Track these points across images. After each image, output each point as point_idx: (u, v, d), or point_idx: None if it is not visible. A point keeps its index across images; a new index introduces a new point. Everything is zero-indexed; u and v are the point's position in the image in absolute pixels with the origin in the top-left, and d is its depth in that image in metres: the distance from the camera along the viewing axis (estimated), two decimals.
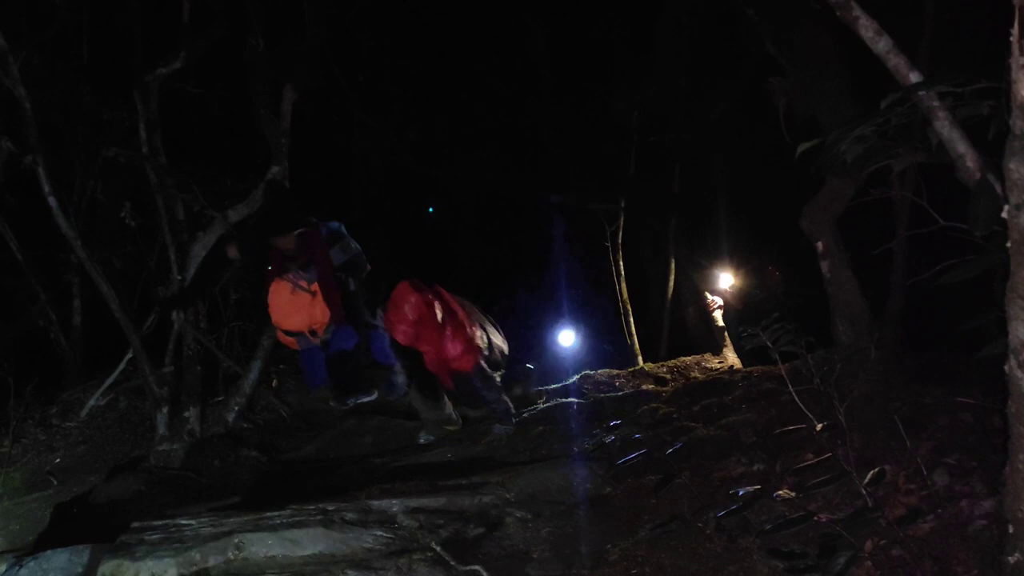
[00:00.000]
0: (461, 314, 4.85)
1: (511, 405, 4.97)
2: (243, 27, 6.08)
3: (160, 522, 3.45)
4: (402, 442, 5.34)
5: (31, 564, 3.21)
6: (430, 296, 4.72)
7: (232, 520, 3.39)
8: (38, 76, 6.05)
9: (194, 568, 3.11)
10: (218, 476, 5.02)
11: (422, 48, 9.10)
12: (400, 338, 4.73)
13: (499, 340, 5.15)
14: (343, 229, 5.29)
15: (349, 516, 3.43)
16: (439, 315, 4.70)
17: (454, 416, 5.19)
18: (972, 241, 2.23)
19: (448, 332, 4.72)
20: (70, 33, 6.96)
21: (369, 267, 5.39)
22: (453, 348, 4.73)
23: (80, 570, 3.18)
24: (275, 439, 5.74)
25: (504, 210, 10.69)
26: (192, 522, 3.42)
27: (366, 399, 5.33)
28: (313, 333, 5.01)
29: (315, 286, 4.92)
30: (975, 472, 2.62)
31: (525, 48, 9.67)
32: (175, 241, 5.88)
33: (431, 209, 11.27)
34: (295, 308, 4.91)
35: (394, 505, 3.54)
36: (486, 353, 4.93)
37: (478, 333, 4.90)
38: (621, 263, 9.07)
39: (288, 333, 5.07)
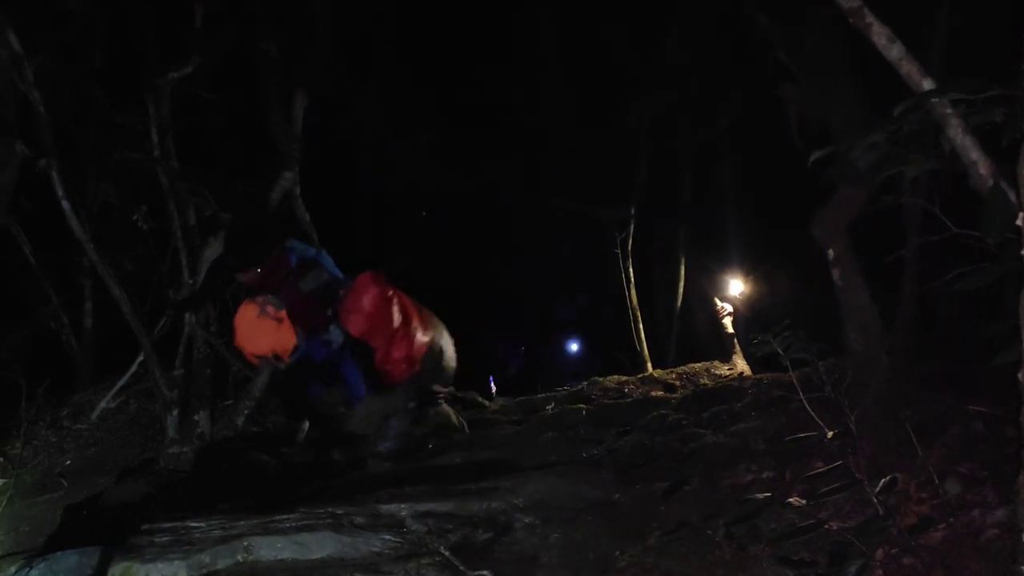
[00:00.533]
0: (416, 321, 4.74)
1: (405, 438, 4.86)
2: (255, 32, 6.12)
3: (170, 524, 3.46)
4: (411, 446, 5.34)
5: (41, 566, 3.23)
6: (391, 292, 4.64)
7: (242, 523, 3.40)
8: (52, 81, 6.10)
9: (203, 570, 3.12)
10: (228, 479, 5.03)
11: (431, 54, 9.13)
12: (353, 328, 4.61)
13: (451, 352, 5.04)
14: (321, 257, 5.05)
15: (358, 520, 3.43)
16: (396, 315, 4.61)
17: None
18: (985, 248, 2.22)
19: (399, 334, 4.62)
20: (83, 38, 7.01)
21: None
22: (397, 351, 4.63)
23: (90, 572, 3.19)
24: (285, 442, 5.75)
25: (513, 217, 10.69)
26: (202, 524, 3.43)
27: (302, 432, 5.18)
28: (277, 358, 4.76)
29: (282, 313, 4.68)
30: (987, 481, 2.61)
31: (536, 54, 9.69)
32: (187, 245, 5.91)
33: (423, 213, 11.16)
34: (260, 332, 4.68)
35: (403, 509, 3.54)
36: (429, 366, 4.83)
37: (427, 339, 4.80)
38: (631, 270, 9.06)
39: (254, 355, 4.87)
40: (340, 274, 4.96)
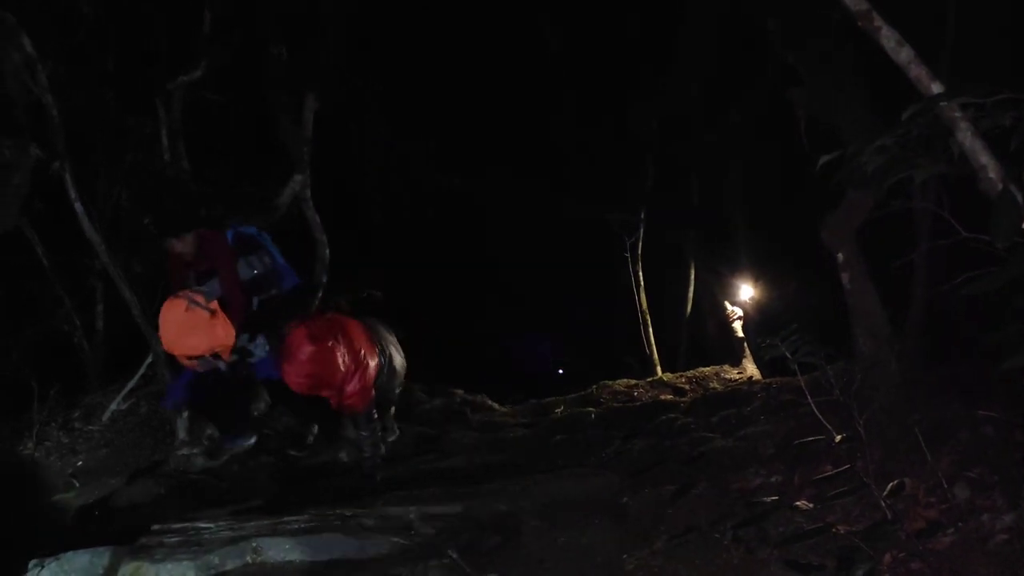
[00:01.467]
0: (364, 350, 4.47)
1: (381, 447, 4.66)
2: (265, 36, 6.16)
3: (179, 525, 3.49)
4: (420, 448, 5.35)
5: (52, 566, 3.25)
6: (330, 343, 4.29)
7: (250, 524, 3.42)
8: (65, 84, 6.14)
9: (212, 571, 3.14)
10: (237, 481, 5.06)
11: (441, 59, 9.15)
12: (295, 387, 4.27)
13: (400, 359, 4.88)
14: (262, 237, 4.57)
15: (367, 522, 3.44)
16: (340, 362, 4.29)
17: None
18: (994, 253, 2.22)
19: (350, 373, 4.34)
20: (95, 42, 7.07)
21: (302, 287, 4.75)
22: (351, 388, 4.35)
23: (100, 572, 3.22)
24: (293, 444, 5.76)
25: (523, 222, 10.70)
26: (211, 526, 3.46)
27: (245, 444, 4.78)
28: (217, 356, 4.20)
29: (214, 303, 4.15)
30: (996, 486, 2.59)
31: (544, 59, 9.70)
32: None
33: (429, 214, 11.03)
34: (191, 329, 4.08)
35: (411, 512, 3.55)
36: (382, 380, 4.66)
37: (375, 362, 4.56)
38: (640, 274, 9.06)
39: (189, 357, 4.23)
40: (283, 262, 4.48)
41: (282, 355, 4.23)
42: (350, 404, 4.39)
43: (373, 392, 4.49)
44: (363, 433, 4.51)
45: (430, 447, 5.28)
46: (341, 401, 4.37)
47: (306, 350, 4.17)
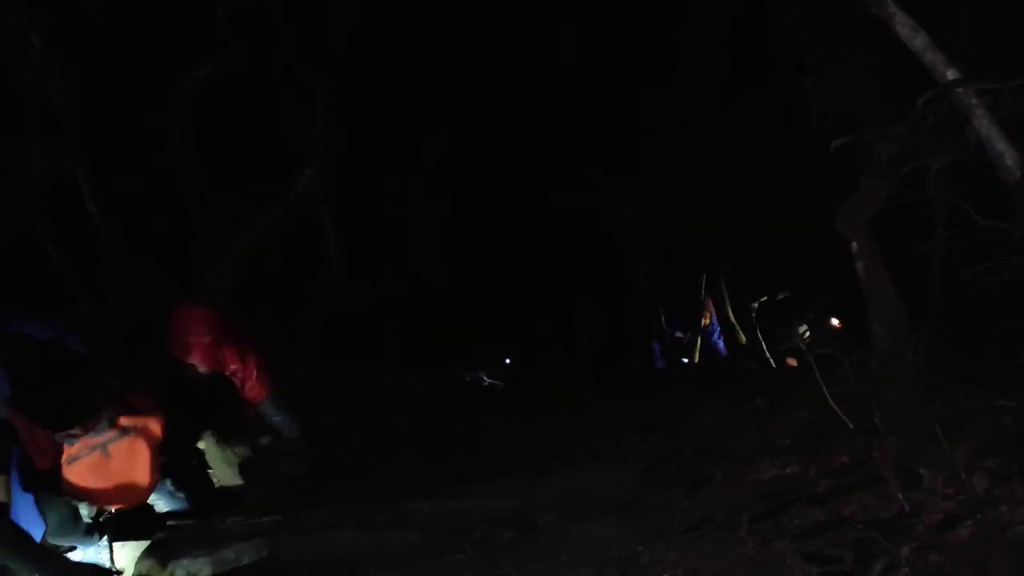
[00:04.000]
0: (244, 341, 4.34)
1: (301, 434, 4.62)
2: (276, 32, 6.16)
3: (195, 521, 3.51)
4: (434, 445, 5.35)
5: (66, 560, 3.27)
6: (214, 315, 4.20)
7: (266, 520, 3.44)
8: (76, 82, 6.17)
9: (228, 567, 3.16)
10: (253, 477, 5.06)
11: (450, 52, 9.13)
12: (200, 356, 4.00)
13: None
14: None
15: (382, 518, 3.45)
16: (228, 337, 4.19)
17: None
18: (1012, 242, 2.19)
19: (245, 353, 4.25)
20: (106, 40, 7.09)
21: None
22: (248, 372, 4.23)
23: (116, 567, 3.23)
24: (309, 441, 5.78)
25: (528, 213, 10.66)
26: (227, 521, 3.47)
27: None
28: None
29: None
30: (1015, 476, 2.56)
31: (552, 49, 9.67)
32: (210, 245, 5.96)
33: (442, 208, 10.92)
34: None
35: (425, 507, 3.56)
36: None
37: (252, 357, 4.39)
38: (652, 265, 9.03)
39: None
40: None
41: (176, 334, 3.98)
42: (252, 396, 4.31)
43: (270, 379, 4.35)
44: (276, 418, 4.47)
45: (441, 442, 5.29)
46: (244, 396, 4.28)
47: (198, 313, 4.09)
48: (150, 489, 3.45)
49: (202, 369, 4.09)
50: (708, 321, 8.78)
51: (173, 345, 4.09)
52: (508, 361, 9.03)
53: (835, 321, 7.21)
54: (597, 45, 9.28)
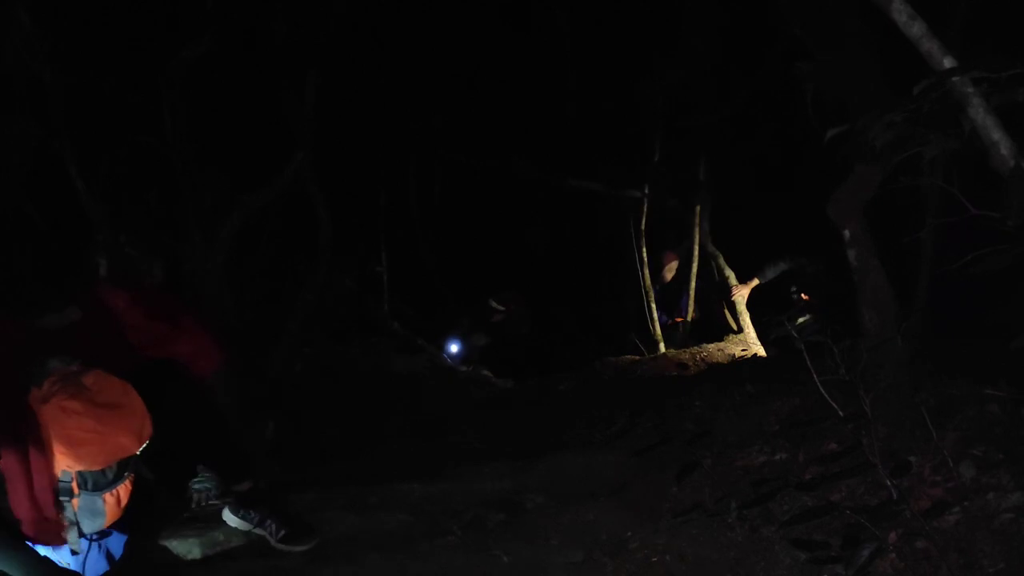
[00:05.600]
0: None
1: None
2: (268, 11, 6.10)
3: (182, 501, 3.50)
4: (425, 428, 5.36)
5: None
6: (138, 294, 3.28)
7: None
8: (64, 60, 6.10)
9: (217, 548, 3.17)
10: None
11: (445, 35, 9.06)
12: (144, 336, 3.13)
13: None
14: None
15: (373, 500, 3.46)
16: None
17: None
18: (1005, 230, 2.19)
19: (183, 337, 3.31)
20: (95, 17, 7.00)
21: None
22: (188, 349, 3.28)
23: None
24: (299, 424, 5.78)
25: (523, 196, 10.63)
26: (217, 503, 3.47)
27: None
28: None
29: None
30: (1002, 464, 2.59)
31: (549, 32, 9.61)
32: (200, 225, 5.92)
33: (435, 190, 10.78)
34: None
35: (416, 490, 3.57)
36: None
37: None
38: (644, 250, 9.03)
39: None
40: None
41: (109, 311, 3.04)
42: (201, 368, 3.32)
43: (219, 350, 3.41)
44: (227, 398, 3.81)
45: (433, 425, 5.29)
46: (194, 372, 3.32)
47: (123, 292, 3.14)
48: (147, 427, 2.67)
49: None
50: (670, 278, 8.90)
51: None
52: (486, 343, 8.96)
53: (803, 295, 7.27)
54: (593, 26, 9.23)
